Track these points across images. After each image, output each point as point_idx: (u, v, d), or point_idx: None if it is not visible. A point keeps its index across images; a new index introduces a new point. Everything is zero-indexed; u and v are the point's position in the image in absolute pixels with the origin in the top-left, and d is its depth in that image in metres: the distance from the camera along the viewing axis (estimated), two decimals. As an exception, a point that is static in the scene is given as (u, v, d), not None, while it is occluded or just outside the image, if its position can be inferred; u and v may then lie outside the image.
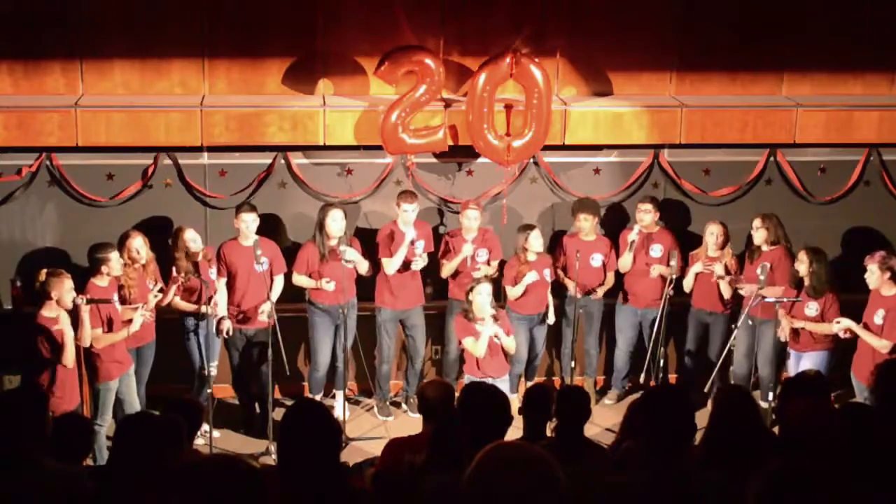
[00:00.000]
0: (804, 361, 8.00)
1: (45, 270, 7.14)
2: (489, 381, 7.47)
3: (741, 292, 8.36)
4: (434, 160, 8.72)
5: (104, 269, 7.46)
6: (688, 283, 8.63)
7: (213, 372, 8.12)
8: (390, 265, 8.37)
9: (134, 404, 7.63)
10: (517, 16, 8.57)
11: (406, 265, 8.39)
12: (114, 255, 7.52)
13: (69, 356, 6.99)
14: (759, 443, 4.38)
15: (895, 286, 7.68)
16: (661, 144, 8.85)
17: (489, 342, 7.64)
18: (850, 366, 7.89)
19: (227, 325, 8.20)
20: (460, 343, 7.81)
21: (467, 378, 7.76)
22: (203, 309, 7.97)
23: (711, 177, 9.02)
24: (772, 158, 9.00)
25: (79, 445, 4.94)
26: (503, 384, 7.66)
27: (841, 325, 7.71)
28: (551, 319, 8.66)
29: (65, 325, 7.03)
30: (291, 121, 8.25)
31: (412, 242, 8.30)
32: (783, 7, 8.81)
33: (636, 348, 8.97)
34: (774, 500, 3.04)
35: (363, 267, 8.38)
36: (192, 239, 8.01)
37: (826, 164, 9.11)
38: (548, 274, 8.54)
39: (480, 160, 8.66)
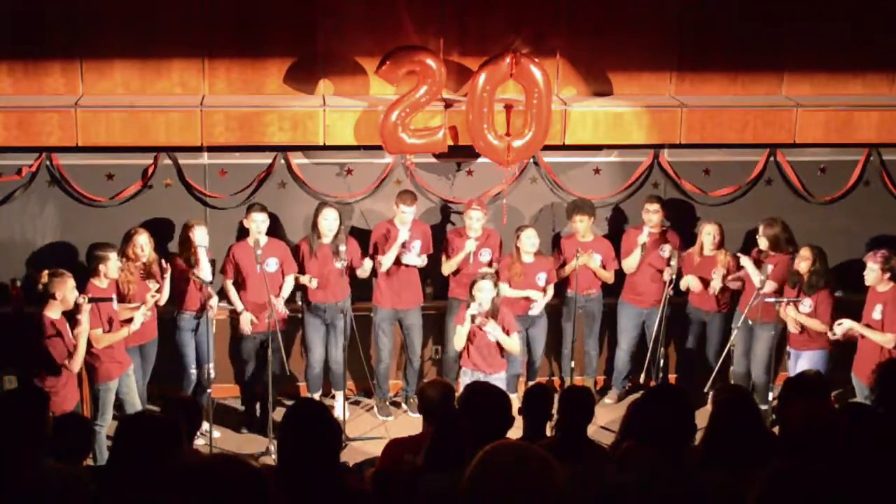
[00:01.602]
0: (802, 361, 8.00)
1: (46, 271, 7.15)
2: (482, 375, 7.48)
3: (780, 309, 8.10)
4: (434, 160, 8.72)
5: (102, 268, 7.47)
6: (684, 285, 8.66)
7: (212, 374, 8.12)
8: (384, 261, 8.38)
9: (135, 404, 7.63)
10: (517, 16, 8.57)
11: (396, 260, 8.40)
12: (112, 256, 7.52)
13: (77, 361, 7.00)
14: (759, 443, 4.39)
15: (892, 283, 7.69)
16: (661, 144, 8.85)
17: (481, 336, 7.63)
18: (851, 365, 7.89)
19: (249, 317, 8.19)
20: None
21: (463, 371, 7.75)
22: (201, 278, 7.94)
23: (711, 177, 9.02)
24: (772, 158, 9.00)
25: (79, 445, 4.94)
26: (498, 382, 7.66)
27: (843, 327, 7.69)
28: (534, 310, 8.56)
29: (84, 324, 7.05)
30: (291, 121, 8.25)
31: (403, 245, 8.31)
32: (783, 7, 8.81)
33: (638, 348, 8.97)
34: (774, 500, 3.04)
35: (365, 270, 8.40)
36: (200, 236, 8.02)
37: (826, 164, 9.11)
38: (543, 278, 8.51)
39: (480, 160, 8.66)
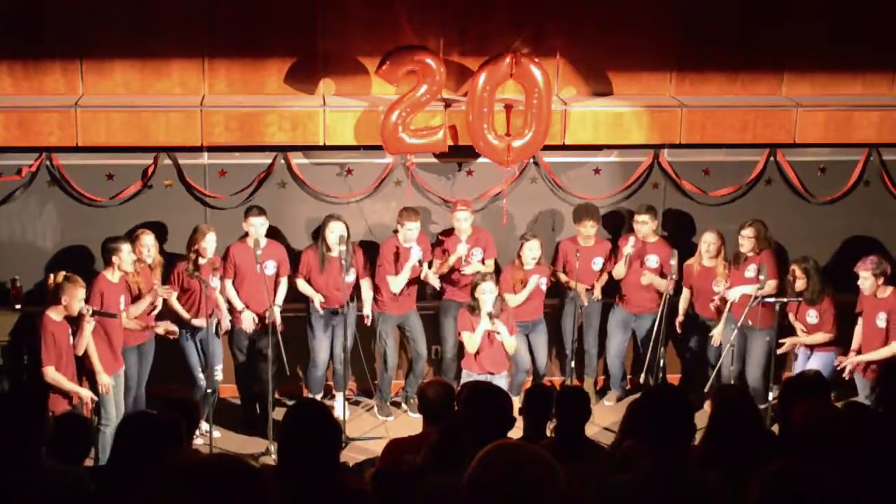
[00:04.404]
0: (812, 361, 8.01)
1: (62, 273, 7.15)
2: (486, 377, 7.51)
3: (729, 296, 8.22)
4: (434, 160, 8.71)
5: (115, 260, 7.46)
6: (683, 303, 8.72)
7: (219, 376, 8.12)
8: (396, 283, 8.37)
9: (120, 405, 7.61)
10: (517, 16, 8.57)
11: (413, 279, 8.43)
12: (125, 248, 7.51)
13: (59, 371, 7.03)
14: (759, 443, 4.39)
15: (889, 287, 7.71)
16: (661, 144, 8.84)
17: (491, 338, 7.68)
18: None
19: (250, 315, 8.18)
20: (459, 335, 7.85)
21: (465, 373, 7.77)
22: (196, 322, 7.97)
23: (711, 177, 9.02)
24: (772, 158, 9.00)
25: (79, 445, 4.94)
26: (500, 381, 7.68)
27: (848, 366, 7.76)
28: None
29: (86, 336, 7.07)
30: (291, 121, 8.25)
31: (420, 262, 8.32)
32: (783, 7, 8.81)
33: (629, 352, 8.99)
34: (774, 500, 3.04)
35: (367, 288, 8.45)
36: (210, 240, 7.99)
37: (826, 164, 9.11)
38: (543, 283, 8.53)
39: (480, 160, 8.66)
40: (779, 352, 7.97)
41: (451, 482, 2.98)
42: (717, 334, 8.42)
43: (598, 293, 8.79)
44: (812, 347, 8.12)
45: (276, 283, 8.36)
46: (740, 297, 8.19)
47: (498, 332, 7.72)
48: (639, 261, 8.64)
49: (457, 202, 8.54)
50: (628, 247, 8.55)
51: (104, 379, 7.37)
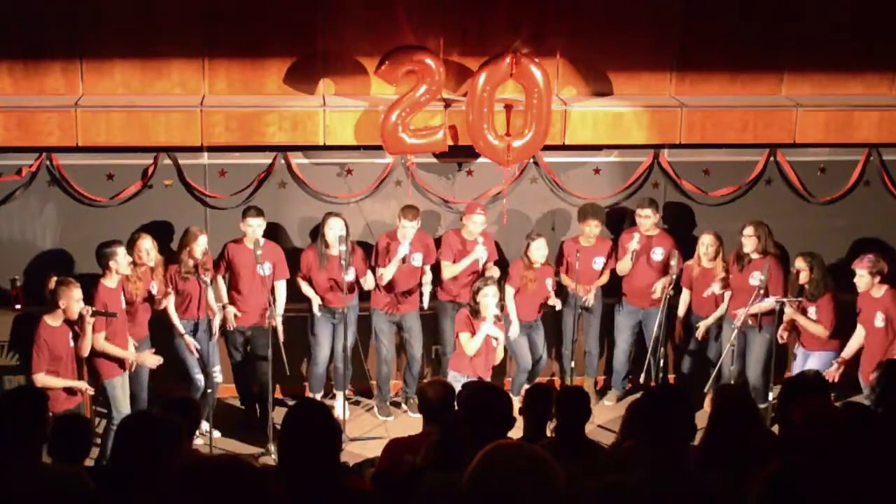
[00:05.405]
0: (811, 361, 8.01)
1: (54, 278, 7.13)
2: (476, 379, 7.52)
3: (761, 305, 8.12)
4: (434, 160, 8.71)
5: (112, 264, 7.43)
6: (683, 306, 8.71)
7: (219, 378, 8.12)
8: (385, 274, 8.37)
9: (127, 405, 7.61)
10: (517, 16, 8.57)
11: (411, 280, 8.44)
12: (120, 251, 7.49)
13: (58, 381, 7.02)
14: (759, 443, 4.39)
15: (884, 286, 7.73)
16: (661, 144, 8.85)
17: (487, 342, 7.69)
18: (857, 367, 7.92)
19: (232, 310, 8.16)
20: (457, 336, 7.84)
21: (452, 375, 7.74)
22: (177, 323, 7.97)
23: (711, 177, 9.02)
24: (772, 158, 9.00)
25: (79, 445, 4.93)
26: None
27: (839, 368, 7.81)
28: (557, 304, 8.63)
29: (87, 337, 7.07)
30: (291, 121, 8.25)
31: (403, 260, 8.31)
32: (783, 7, 8.81)
33: (635, 349, 8.98)
34: (774, 500, 3.04)
35: (368, 283, 8.42)
36: (201, 244, 7.97)
37: (826, 164, 9.11)
38: (549, 284, 8.55)
39: (480, 160, 8.66)
40: (781, 306, 7.93)
41: (451, 482, 2.98)
42: (702, 327, 8.49)
43: (591, 299, 8.76)
44: (810, 346, 8.11)
45: (273, 285, 8.33)
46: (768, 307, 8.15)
47: (496, 339, 7.74)
48: (644, 255, 8.64)
49: (474, 205, 8.47)
50: (633, 242, 8.54)
51: (132, 357, 7.49)
